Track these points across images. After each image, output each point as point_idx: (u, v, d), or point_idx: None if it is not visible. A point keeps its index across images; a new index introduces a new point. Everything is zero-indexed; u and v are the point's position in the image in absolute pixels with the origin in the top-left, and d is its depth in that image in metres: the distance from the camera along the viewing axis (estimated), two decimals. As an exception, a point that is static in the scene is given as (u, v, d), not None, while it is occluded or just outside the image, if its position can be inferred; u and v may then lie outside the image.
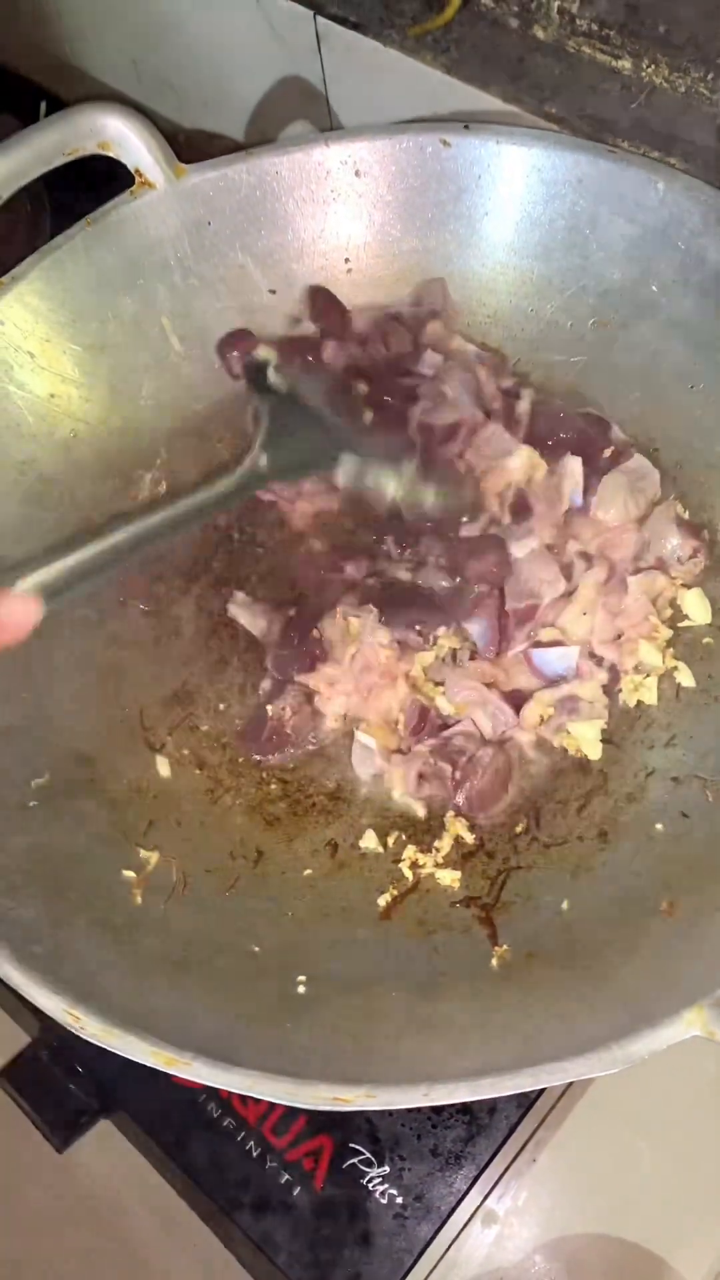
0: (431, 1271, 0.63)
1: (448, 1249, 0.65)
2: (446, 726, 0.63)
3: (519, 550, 0.66)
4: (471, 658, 0.65)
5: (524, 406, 0.71)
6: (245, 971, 0.54)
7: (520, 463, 0.68)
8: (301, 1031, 0.50)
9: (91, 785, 0.61)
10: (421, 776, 0.63)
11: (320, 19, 0.79)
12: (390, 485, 0.67)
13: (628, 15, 0.70)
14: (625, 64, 0.72)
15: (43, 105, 1.02)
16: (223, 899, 0.58)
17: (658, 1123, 0.68)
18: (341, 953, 0.56)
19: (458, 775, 0.62)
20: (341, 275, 0.76)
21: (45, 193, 0.86)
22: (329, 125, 0.87)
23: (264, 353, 0.72)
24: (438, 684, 0.65)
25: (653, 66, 0.70)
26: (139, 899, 0.57)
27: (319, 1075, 0.46)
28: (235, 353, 0.75)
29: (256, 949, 0.55)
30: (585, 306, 0.72)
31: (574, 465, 0.67)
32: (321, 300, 0.75)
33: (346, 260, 0.76)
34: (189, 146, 0.91)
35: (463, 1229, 0.66)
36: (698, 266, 0.66)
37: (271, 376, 0.70)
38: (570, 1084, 0.68)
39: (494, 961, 0.54)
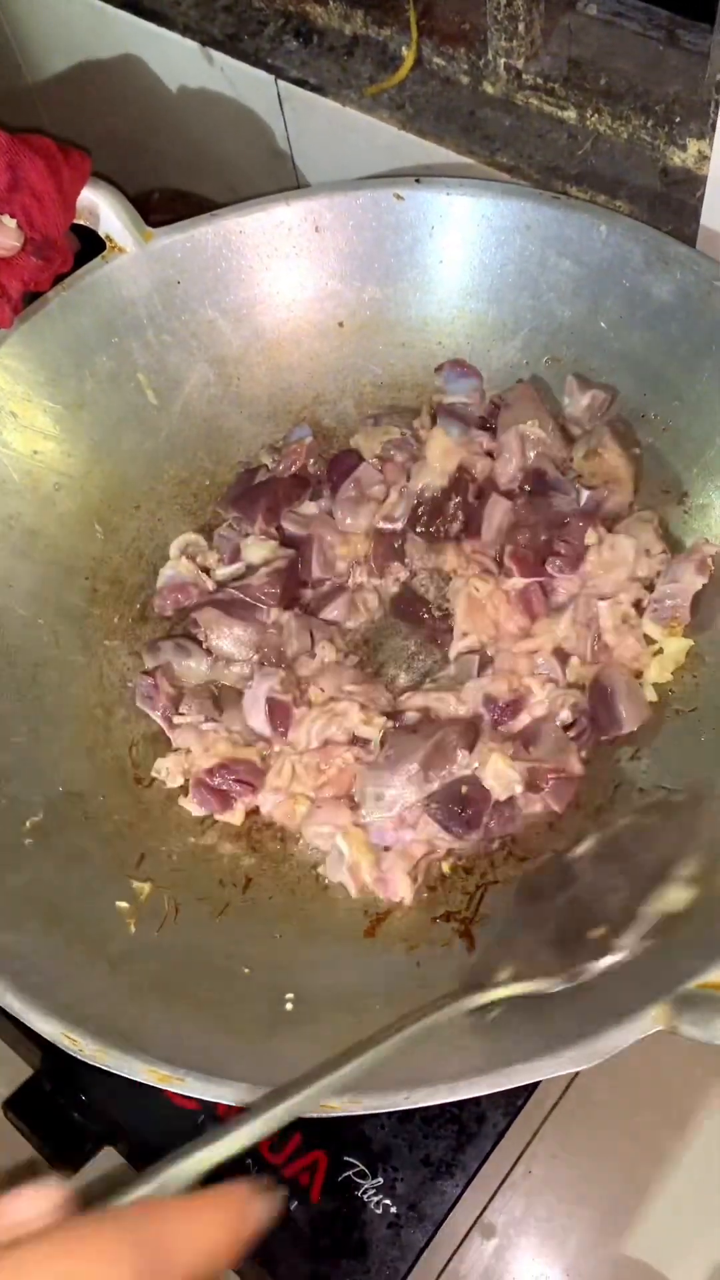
0: (436, 1280, 0.65)
1: (448, 1262, 0.66)
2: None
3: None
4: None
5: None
6: (236, 992, 0.56)
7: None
8: (290, 1046, 0.52)
9: (85, 822, 0.63)
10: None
11: (281, 82, 0.83)
12: None
13: (570, 69, 0.75)
14: (570, 114, 0.76)
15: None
16: (214, 924, 0.61)
17: (651, 1133, 0.69)
18: (328, 971, 0.58)
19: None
20: (307, 325, 0.79)
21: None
22: (294, 181, 0.90)
23: None
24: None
25: (596, 115, 0.74)
26: (133, 928, 0.59)
27: (307, 1085, 0.48)
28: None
29: (246, 970, 0.57)
30: (539, 344, 0.75)
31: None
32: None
33: (312, 311, 0.79)
34: (161, 204, 0.94)
35: (461, 1242, 0.67)
36: (642, 302, 0.69)
37: None
38: (564, 1094, 0.70)
39: (473, 972, 0.56)
